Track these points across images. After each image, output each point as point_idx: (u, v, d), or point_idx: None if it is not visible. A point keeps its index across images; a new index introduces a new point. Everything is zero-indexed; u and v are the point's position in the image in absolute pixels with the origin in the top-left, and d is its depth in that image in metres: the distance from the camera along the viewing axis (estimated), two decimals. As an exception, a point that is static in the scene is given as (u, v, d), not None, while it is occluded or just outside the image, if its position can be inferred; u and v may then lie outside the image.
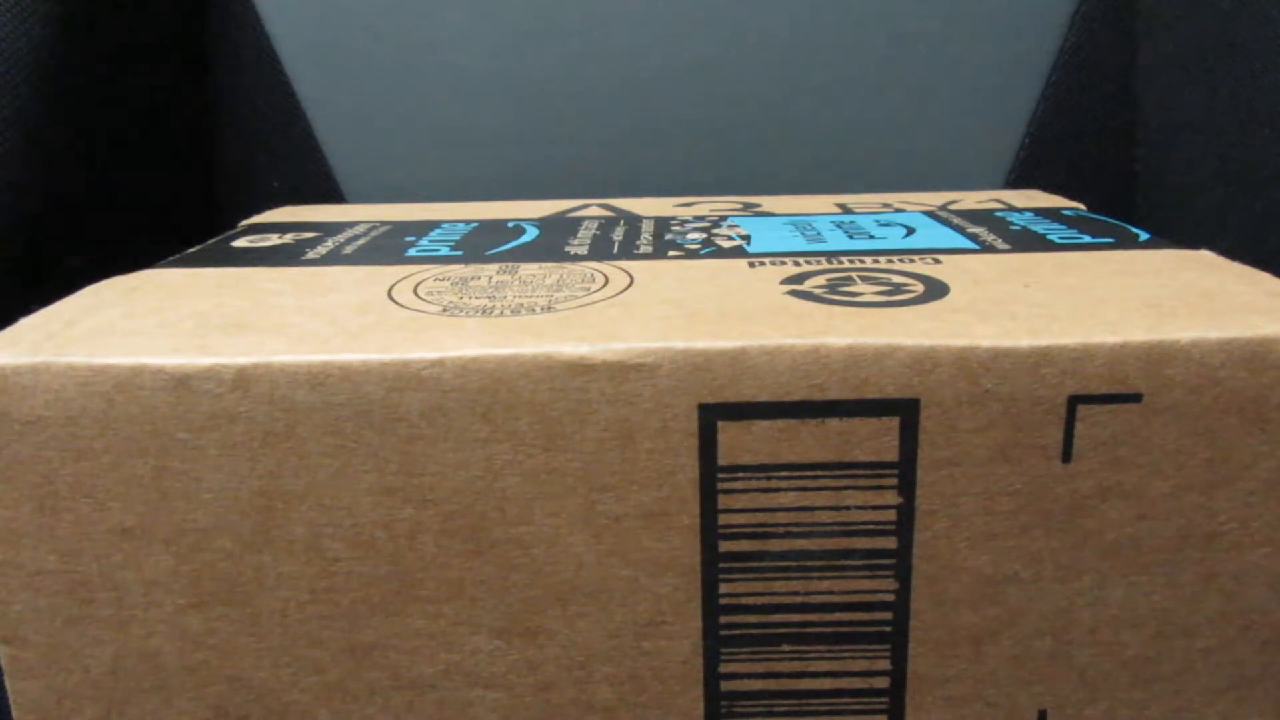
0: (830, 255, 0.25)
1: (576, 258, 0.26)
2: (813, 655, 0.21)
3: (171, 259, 0.27)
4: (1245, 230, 0.41)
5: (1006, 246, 0.26)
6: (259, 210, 0.36)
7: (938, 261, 0.24)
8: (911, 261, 0.24)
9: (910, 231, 0.28)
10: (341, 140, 0.50)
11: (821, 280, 0.23)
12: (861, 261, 0.24)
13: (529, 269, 0.25)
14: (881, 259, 0.25)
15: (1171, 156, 0.46)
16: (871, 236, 0.27)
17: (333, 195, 0.51)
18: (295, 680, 0.21)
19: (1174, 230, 0.46)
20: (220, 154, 0.52)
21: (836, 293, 0.22)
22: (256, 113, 0.51)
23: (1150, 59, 0.45)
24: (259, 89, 0.51)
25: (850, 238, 0.27)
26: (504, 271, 0.24)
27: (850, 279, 0.23)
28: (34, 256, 0.39)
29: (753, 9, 0.48)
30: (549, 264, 0.25)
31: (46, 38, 0.40)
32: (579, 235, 0.28)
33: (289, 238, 0.29)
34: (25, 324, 0.21)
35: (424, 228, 0.30)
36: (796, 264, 0.24)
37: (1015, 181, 0.49)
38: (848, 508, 0.20)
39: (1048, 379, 0.19)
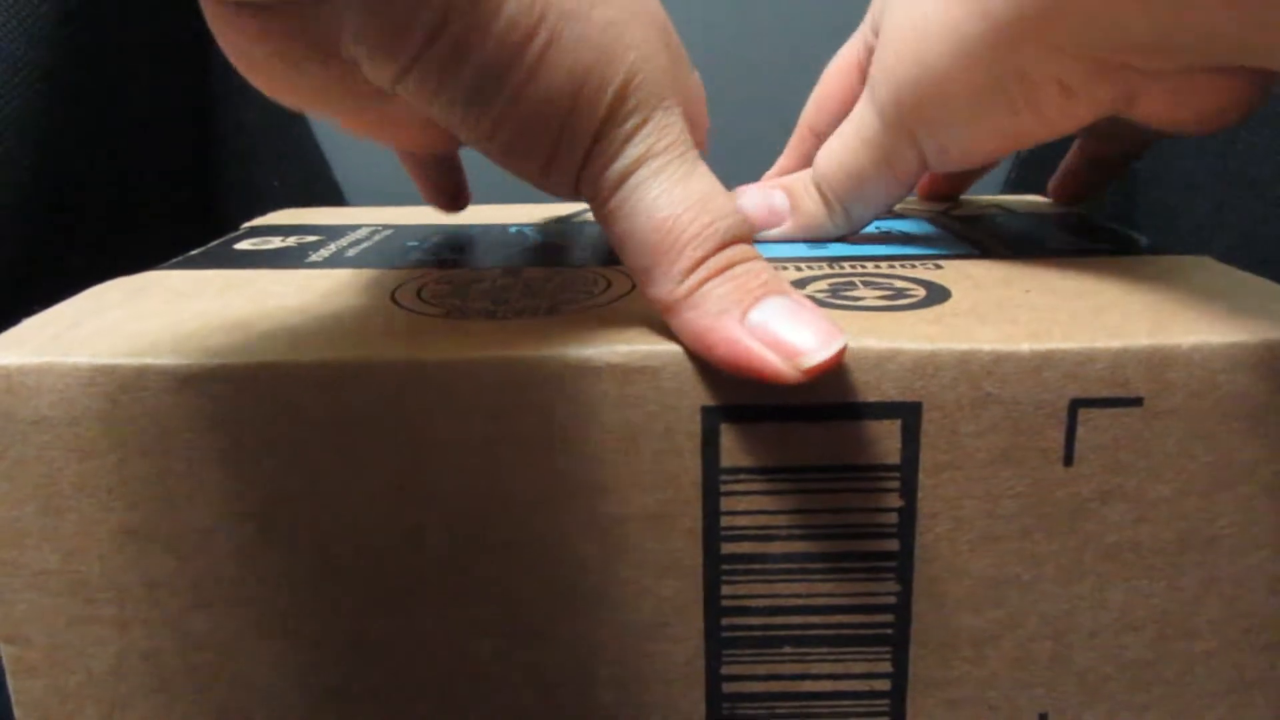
0: (832, 261, 0.25)
1: (579, 263, 0.26)
2: (814, 657, 0.21)
3: (175, 261, 0.27)
4: (1245, 231, 0.41)
5: (1008, 252, 0.26)
6: (259, 209, 0.36)
7: (939, 267, 0.24)
8: (913, 267, 0.24)
9: (911, 237, 0.28)
10: (341, 140, 0.50)
11: (824, 285, 0.23)
12: (863, 267, 0.24)
13: (532, 273, 0.25)
14: (883, 264, 0.25)
15: (1171, 157, 0.47)
16: (872, 242, 0.27)
17: (332, 194, 0.51)
18: (297, 681, 0.21)
19: (1174, 231, 0.46)
20: (220, 153, 0.52)
21: (839, 297, 0.22)
22: (256, 113, 0.51)
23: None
24: (259, 89, 0.51)
25: (851, 244, 0.27)
26: (507, 275, 0.24)
27: (852, 284, 0.23)
28: (34, 256, 0.39)
29: (753, 9, 0.48)
30: (551, 268, 0.25)
31: (46, 38, 0.40)
32: (581, 240, 0.28)
33: (292, 240, 0.29)
34: (30, 324, 0.21)
35: (426, 232, 0.30)
36: (799, 269, 0.24)
37: (1015, 185, 0.49)
38: (849, 510, 0.20)
39: (1049, 383, 0.19)
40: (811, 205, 0.27)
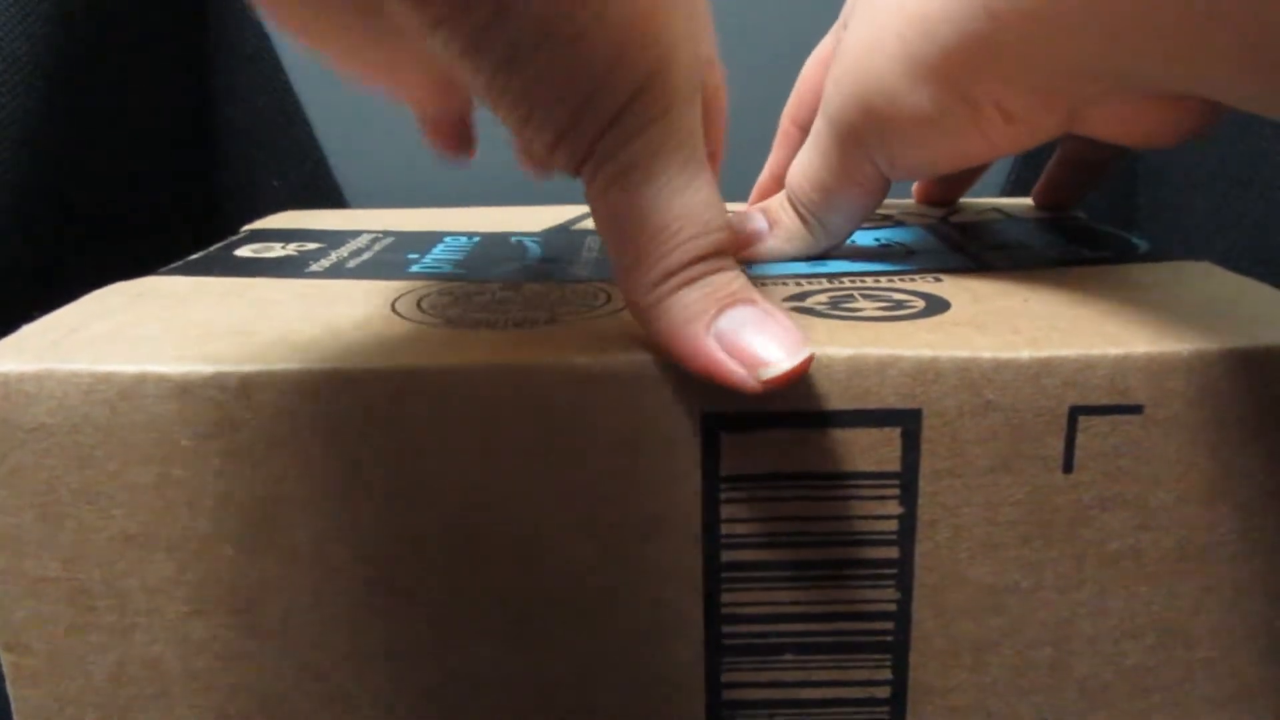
0: (831, 276, 0.25)
1: (579, 278, 0.25)
2: (814, 665, 0.21)
3: (175, 265, 0.27)
4: (1245, 231, 0.41)
5: (1007, 261, 0.26)
6: (259, 209, 0.36)
7: (939, 280, 0.24)
8: (913, 280, 0.24)
9: (911, 251, 0.28)
10: (341, 140, 0.50)
11: (823, 298, 0.23)
12: (863, 281, 0.24)
13: (532, 287, 0.24)
14: (883, 279, 0.25)
15: (1171, 157, 0.46)
16: (871, 258, 0.27)
17: (333, 194, 0.51)
18: (297, 687, 0.21)
19: (1174, 231, 0.46)
20: (220, 154, 0.52)
21: (838, 308, 0.22)
22: (256, 113, 0.51)
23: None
24: (259, 89, 0.51)
25: (851, 259, 0.27)
26: (507, 288, 0.24)
27: (851, 296, 0.23)
28: (34, 258, 0.39)
29: (752, 10, 0.48)
30: (552, 283, 0.25)
31: (46, 37, 0.40)
32: (582, 254, 0.28)
33: (292, 248, 0.29)
34: (29, 330, 0.21)
35: (427, 241, 0.30)
36: (798, 284, 0.24)
37: (1015, 184, 0.49)
38: (849, 518, 0.20)
39: (1049, 390, 0.19)
40: (789, 222, 0.27)
